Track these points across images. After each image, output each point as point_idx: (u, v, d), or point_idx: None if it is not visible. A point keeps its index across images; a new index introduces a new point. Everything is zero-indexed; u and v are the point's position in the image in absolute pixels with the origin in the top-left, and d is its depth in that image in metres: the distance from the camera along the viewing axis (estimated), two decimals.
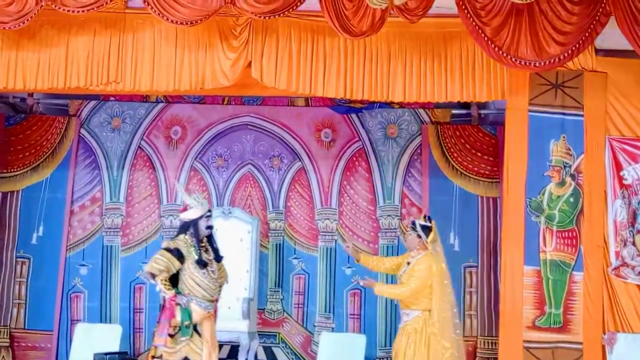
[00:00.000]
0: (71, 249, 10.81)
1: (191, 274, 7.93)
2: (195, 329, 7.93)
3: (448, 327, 8.07)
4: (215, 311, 8.16)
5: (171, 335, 7.89)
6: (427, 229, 8.20)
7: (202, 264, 7.91)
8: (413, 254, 8.23)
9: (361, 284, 8.58)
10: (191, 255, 7.94)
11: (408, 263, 8.22)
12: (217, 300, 8.23)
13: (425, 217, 8.35)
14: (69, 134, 10.93)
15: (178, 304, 7.93)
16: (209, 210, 8.14)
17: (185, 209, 8.21)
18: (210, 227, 8.09)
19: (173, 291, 7.94)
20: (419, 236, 8.19)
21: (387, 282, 10.08)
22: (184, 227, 8.07)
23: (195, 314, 7.92)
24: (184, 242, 7.98)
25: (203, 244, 8.05)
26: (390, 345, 10.27)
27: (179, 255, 7.93)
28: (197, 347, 7.91)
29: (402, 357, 8.07)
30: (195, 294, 7.93)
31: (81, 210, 10.94)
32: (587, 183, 8.82)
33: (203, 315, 7.93)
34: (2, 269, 10.64)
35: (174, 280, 7.98)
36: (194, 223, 8.04)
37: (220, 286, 8.27)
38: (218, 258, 8.12)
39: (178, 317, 7.89)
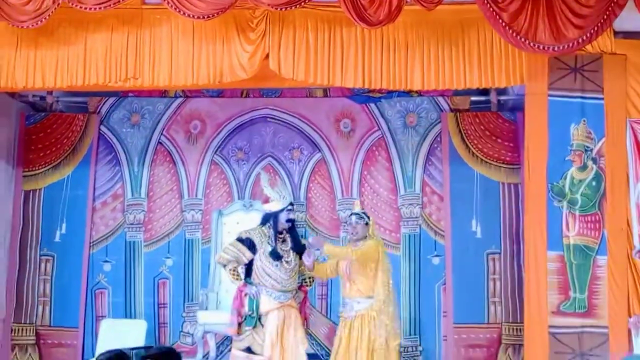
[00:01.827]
0: (94, 245, 10.85)
1: (263, 264, 8.04)
2: (259, 319, 8.01)
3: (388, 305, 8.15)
4: (301, 307, 8.23)
5: (239, 324, 8.03)
6: (367, 217, 8.35)
7: (275, 256, 8.00)
8: (360, 244, 8.23)
9: (311, 240, 8.40)
10: (264, 246, 8.03)
11: None
12: (305, 292, 8.30)
13: (359, 206, 8.48)
14: (89, 131, 10.96)
15: (246, 294, 8.03)
16: (291, 204, 8.24)
17: (267, 201, 8.31)
18: (290, 220, 8.18)
19: (241, 281, 8.05)
20: (367, 224, 8.27)
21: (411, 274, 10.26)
22: (265, 219, 8.20)
23: (263, 304, 8.00)
24: (260, 233, 8.12)
25: (282, 236, 8.13)
26: (415, 334, 10.36)
27: (250, 245, 8.06)
28: (260, 338, 7.99)
29: (366, 343, 8.08)
30: (265, 283, 8.02)
31: (103, 206, 10.97)
32: (608, 166, 8.79)
33: (272, 306, 8.00)
34: (26, 267, 10.68)
35: (249, 269, 8.11)
36: (274, 215, 8.15)
37: (312, 277, 8.37)
38: (297, 249, 8.18)
39: (246, 307, 8.01)
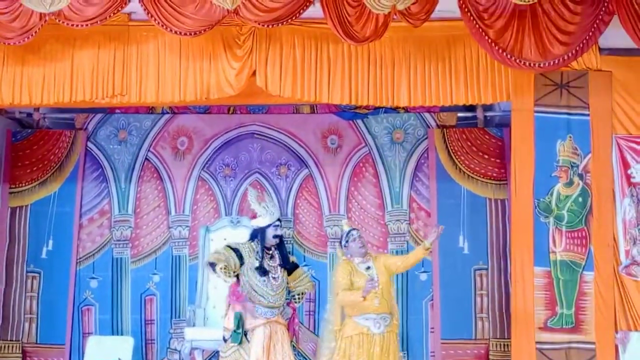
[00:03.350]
0: (81, 262, 10.81)
1: (249, 279, 8.01)
2: (245, 335, 7.98)
3: None
4: (290, 323, 8.18)
5: (225, 340, 8.00)
6: None
7: (261, 271, 7.98)
8: (365, 259, 8.18)
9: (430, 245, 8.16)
10: (251, 260, 8.01)
11: (368, 267, 8.15)
12: (294, 309, 8.24)
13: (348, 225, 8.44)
14: (75, 148, 10.94)
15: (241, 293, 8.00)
16: (279, 220, 8.19)
17: (254, 216, 8.29)
18: (277, 236, 8.14)
19: (234, 278, 8.00)
20: None
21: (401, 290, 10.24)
22: (253, 235, 8.18)
23: (249, 320, 7.97)
24: (248, 248, 8.10)
25: (270, 252, 8.11)
26: (403, 350, 10.32)
27: (239, 255, 8.04)
28: (246, 354, 7.96)
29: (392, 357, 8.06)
30: (252, 298, 7.99)
31: (90, 223, 10.94)
32: (595, 182, 8.83)
33: (258, 322, 7.97)
34: (12, 284, 10.64)
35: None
36: (261, 231, 8.13)
37: (301, 294, 8.32)
38: (285, 265, 8.15)
39: (230, 323, 7.98)
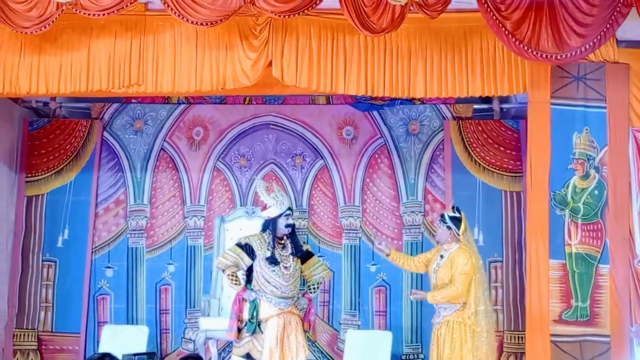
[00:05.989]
0: (96, 251, 10.85)
1: (262, 270, 8.03)
2: (259, 325, 8.01)
3: (483, 317, 8.06)
4: (306, 315, 8.21)
5: (239, 330, 8.03)
6: (456, 220, 8.14)
7: (272, 261, 8.00)
8: (445, 247, 8.17)
9: (412, 298, 8.36)
10: (263, 252, 8.03)
11: (441, 256, 8.16)
12: (309, 300, 8.25)
13: (453, 208, 8.26)
14: (92, 137, 10.98)
15: (245, 299, 8.04)
16: (289, 209, 8.20)
17: (265, 208, 8.31)
18: (289, 226, 8.15)
19: (240, 286, 8.06)
20: (449, 227, 8.12)
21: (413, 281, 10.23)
22: (265, 225, 8.20)
23: (263, 310, 8.00)
24: (259, 239, 8.12)
25: (282, 241, 8.13)
26: (417, 342, 10.35)
27: (249, 251, 8.07)
28: (259, 345, 7.98)
29: (449, 350, 8.00)
30: (264, 289, 8.02)
31: (106, 212, 10.98)
32: (611, 175, 8.79)
33: (272, 312, 7.99)
34: (28, 272, 10.70)
35: (250, 276, 8.11)
36: (273, 221, 8.14)
37: (317, 283, 8.35)
38: (298, 254, 8.16)
39: (245, 313, 8.01)
